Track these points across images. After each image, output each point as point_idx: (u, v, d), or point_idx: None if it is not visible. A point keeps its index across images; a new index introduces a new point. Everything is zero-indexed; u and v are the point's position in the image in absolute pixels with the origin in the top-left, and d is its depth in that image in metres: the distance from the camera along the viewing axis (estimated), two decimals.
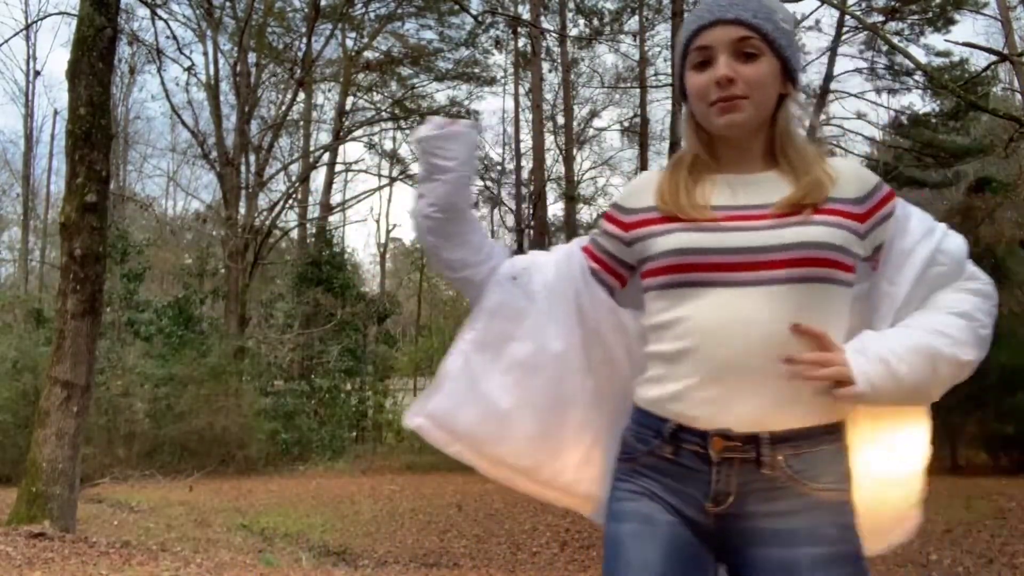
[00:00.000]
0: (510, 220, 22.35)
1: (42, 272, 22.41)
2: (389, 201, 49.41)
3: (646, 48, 20.12)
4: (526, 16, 18.44)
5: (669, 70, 18.27)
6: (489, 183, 23.56)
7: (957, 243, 1.30)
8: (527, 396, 1.33)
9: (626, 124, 22.20)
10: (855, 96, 18.69)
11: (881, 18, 17.25)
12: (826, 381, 1.16)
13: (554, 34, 19.36)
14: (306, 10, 19.19)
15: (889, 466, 1.28)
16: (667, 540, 1.20)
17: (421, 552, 7.99)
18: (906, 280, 1.26)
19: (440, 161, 1.34)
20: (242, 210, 18.50)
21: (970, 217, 14.28)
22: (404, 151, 24.45)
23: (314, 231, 21.28)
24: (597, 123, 23.49)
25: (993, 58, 10.16)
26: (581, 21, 20.17)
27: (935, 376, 1.20)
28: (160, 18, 13.27)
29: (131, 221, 21.84)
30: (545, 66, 20.69)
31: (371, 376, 20.34)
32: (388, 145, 23.90)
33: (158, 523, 8.58)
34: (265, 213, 19.32)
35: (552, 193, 21.46)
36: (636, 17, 19.51)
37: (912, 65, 14.75)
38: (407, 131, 23.09)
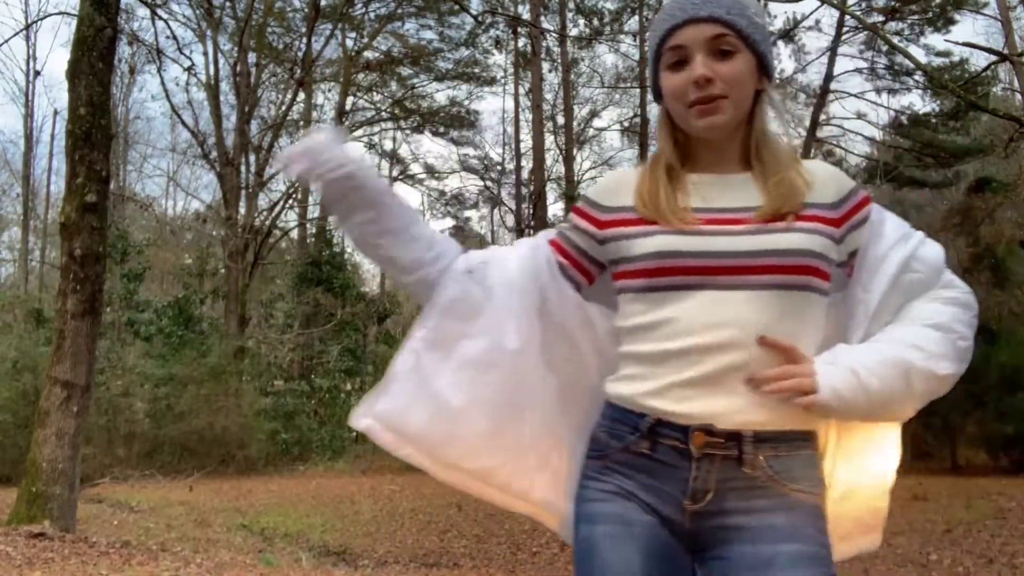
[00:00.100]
0: (510, 220, 22.36)
1: (42, 272, 22.42)
2: None
3: (646, 48, 20.13)
4: (526, 16, 18.44)
5: None
6: (489, 183, 23.61)
7: (934, 251, 1.28)
8: (480, 395, 1.27)
9: (626, 124, 22.21)
10: (855, 96, 18.72)
11: (881, 18, 17.25)
12: (788, 393, 1.15)
13: (554, 34, 19.37)
14: (306, 10, 19.19)
15: (858, 473, 1.28)
16: (645, 541, 1.18)
17: (421, 552, 7.99)
18: (879, 286, 1.24)
19: (331, 174, 1.27)
20: (242, 210, 18.52)
21: (970, 217, 14.30)
22: (404, 151, 24.49)
23: (314, 231, 21.29)
24: (597, 123, 23.49)
25: (993, 58, 10.16)
26: (581, 21, 20.20)
27: (908, 390, 1.18)
28: (160, 18, 13.27)
29: (131, 221, 21.84)
30: (545, 66, 20.71)
31: (371, 376, 20.32)
32: (388, 145, 23.94)
33: (158, 523, 8.58)
34: (265, 213, 19.34)
35: (552, 193, 21.48)
36: (636, 17, 19.51)
37: (912, 65, 14.76)
38: (407, 131, 23.14)
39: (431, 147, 57.88)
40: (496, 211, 23.75)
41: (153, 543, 6.43)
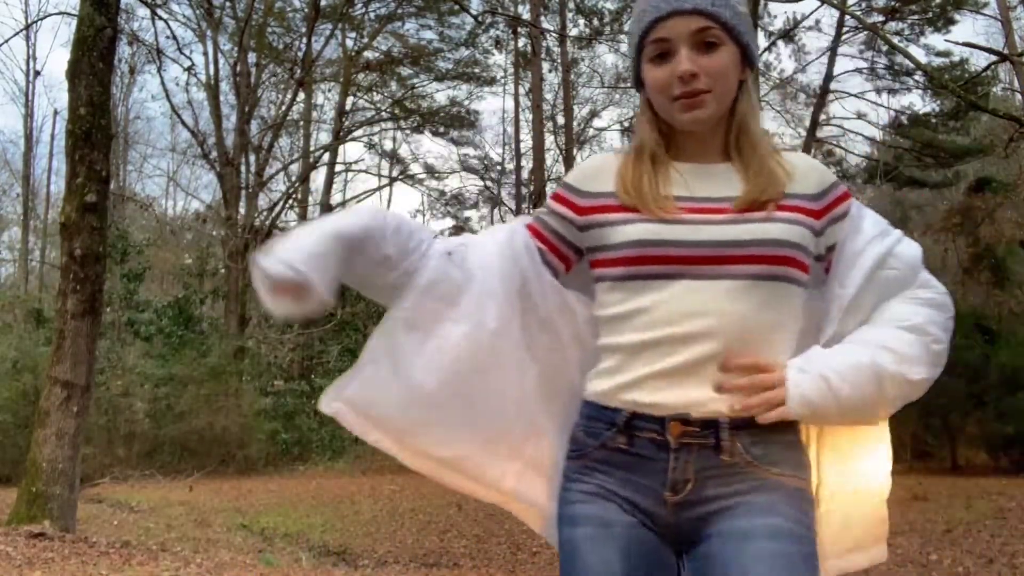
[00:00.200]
0: (510, 220, 22.37)
1: (42, 272, 22.42)
2: (389, 201, 49.25)
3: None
4: (526, 16, 18.44)
5: None
6: (489, 183, 23.61)
7: (911, 249, 1.27)
8: (456, 379, 1.23)
9: (626, 124, 22.20)
10: (855, 96, 18.73)
11: (881, 18, 17.26)
12: (758, 408, 1.15)
13: (554, 34, 19.37)
14: (306, 10, 19.19)
15: (851, 482, 1.27)
16: (626, 542, 1.17)
17: (421, 552, 7.99)
18: (855, 281, 1.23)
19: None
20: (242, 210, 18.52)
21: (970, 217, 14.30)
22: (404, 151, 24.48)
23: None
24: (597, 123, 23.47)
25: (993, 58, 10.17)
26: (581, 21, 20.21)
27: (880, 395, 1.18)
28: (160, 18, 13.26)
29: (131, 221, 21.85)
30: (545, 66, 20.72)
31: None
32: (388, 145, 23.94)
33: (158, 523, 8.58)
34: (265, 213, 19.34)
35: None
36: None
37: (912, 65, 14.76)
38: (407, 131, 23.14)
39: (431, 147, 57.84)
40: (496, 211, 23.75)
41: (153, 543, 6.44)
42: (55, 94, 40.38)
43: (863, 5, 17.20)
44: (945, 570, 6.15)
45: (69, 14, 11.67)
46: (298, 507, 10.30)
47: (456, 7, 16.57)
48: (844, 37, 17.64)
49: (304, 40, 19.30)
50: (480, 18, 16.84)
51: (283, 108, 20.26)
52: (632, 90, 21.27)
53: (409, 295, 1.25)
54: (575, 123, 21.79)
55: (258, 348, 17.54)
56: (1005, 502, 8.56)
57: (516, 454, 1.28)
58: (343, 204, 23.18)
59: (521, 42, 20.03)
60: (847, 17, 16.05)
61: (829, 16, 17.60)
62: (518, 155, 22.50)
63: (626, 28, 20.36)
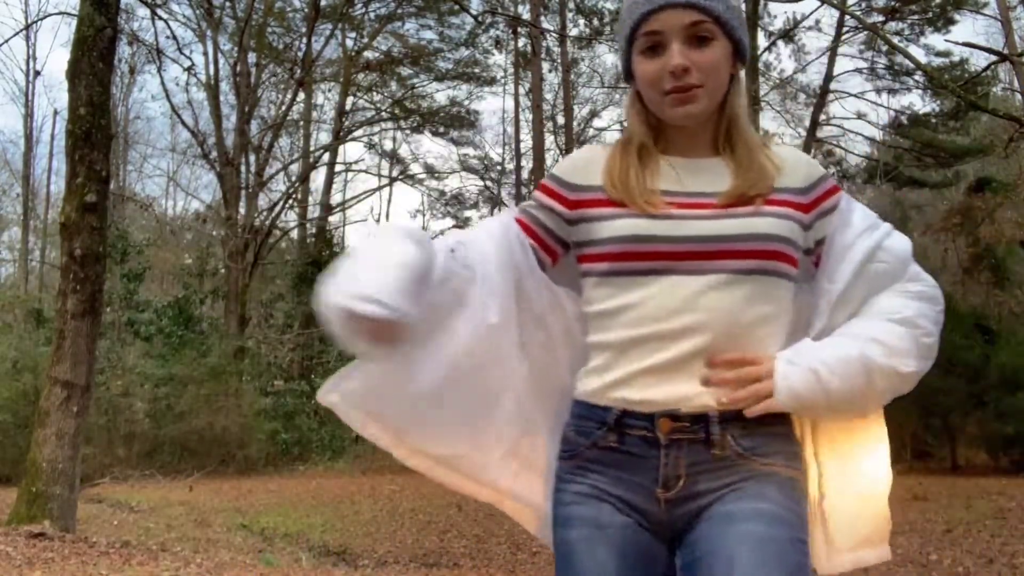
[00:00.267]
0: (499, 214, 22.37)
1: (42, 272, 22.42)
2: (389, 201, 49.27)
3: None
4: (526, 16, 18.44)
5: None
6: (489, 183, 23.63)
7: (901, 242, 1.26)
8: (456, 378, 1.21)
9: (626, 124, 22.21)
10: (855, 96, 18.74)
11: (881, 18, 17.26)
12: (743, 403, 1.15)
13: (554, 34, 19.37)
14: (306, 10, 19.20)
15: (854, 479, 1.25)
16: (620, 544, 1.17)
17: (421, 552, 7.99)
18: (844, 275, 1.22)
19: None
20: (242, 210, 18.52)
21: (970, 217, 14.30)
22: (404, 151, 24.48)
23: (314, 231, 21.30)
24: (597, 123, 23.45)
25: (993, 58, 10.16)
26: (581, 21, 20.21)
27: (870, 388, 1.16)
28: (160, 18, 13.26)
29: (131, 221, 21.85)
30: (545, 66, 20.72)
31: None
32: (388, 145, 23.95)
33: (158, 523, 8.58)
34: (265, 213, 19.34)
35: None
36: None
37: (912, 65, 14.76)
38: (407, 131, 23.15)
39: (431, 147, 57.81)
40: (496, 211, 23.74)
41: (153, 543, 6.44)
42: (55, 94, 40.43)
43: (863, 5, 17.21)
44: (945, 570, 6.15)
45: (69, 14, 11.68)
46: (298, 507, 10.30)
47: (456, 7, 16.57)
48: (844, 37, 17.65)
49: (304, 40, 19.31)
50: (480, 18, 16.84)
51: (283, 108, 20.29)
52: None
53: None
54: (575, 123, 21.81)
55: (258, 348, 17.55)
56: (1005, 502, 8.56)
57: (513, 453, 1.27)
58: (343, 204, 23.21)
59: (521, 42, 20.04)
60: (847, 17, 16.06)
61: (829, 16, 17.63)
62: (518, 155, 22.52)
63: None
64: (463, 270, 1.22)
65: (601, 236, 1.22)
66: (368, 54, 21.17)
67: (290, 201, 20.70)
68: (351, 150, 44.46)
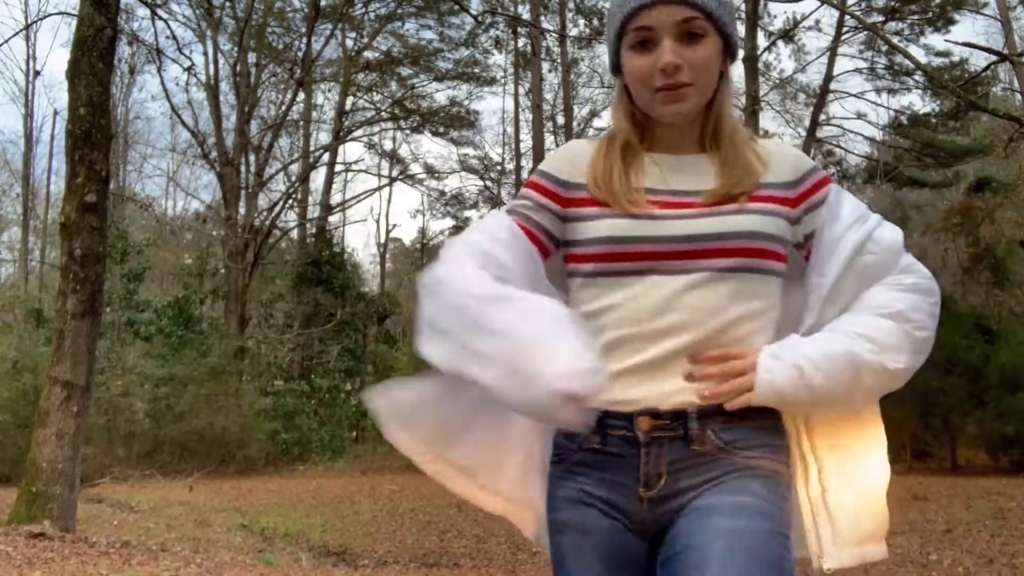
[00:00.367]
0: (493, 213, 22.38)
1: (42, 272, 22.42)
2: (389, 201, 49.39)
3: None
4: (526, 16, 18.45)
5: None
6: (489, 183, 23.63)
7: (891, 233, 1.22)
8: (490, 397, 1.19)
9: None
10: (855, 96, 18.74)
11: (881, 18, 17.26)
12: (727, 395, 1.14)
13: (554, 34, 19.37)
14: (306, 10, 19.20)
15: (853, 474, 1.23)
16: (606, 549, 1.17)
17: (421, 552, 7.99)
18: (833, 269, 1.20)
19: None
20: (242, 210, 18.53)
21: (970, 217, 14.30)
22: (404, 151, 24.49)
23: (314, 231, 21.31)
24: (597, 123, 23.41)
25: (993, 58, 10.16)
26: (581, 21, 20.23)
27: (856, 385, 1.14)
28: (160, 18, 13.26)
29: (131, 221, 21.86)
30: (545, 66, 20.73)
31: (371, 376, 20.33)
32: (388, 145, 23.95)
33: (158, 523, 8.58)
34: (265, 213, 19.35)
35: None
36: None
37: (912, 65, 14.76)
38: (407, 131, 23.15)
39: (431, 147, 57.88)
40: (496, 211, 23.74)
41: (153, 543, 6.44)
42: (55, 94, 40.46)
43: (863, 5, 17.21)
44: (945, 570, 6.14)
45: (69, 14, 11.69)
46: (298, 507, 10.30)
47: (456, 7, 16.57)
48: (844, 37, 17.64)
49: (304, 40, 19.32)
50: (480, 18, 16.85)
51: (283, 108, 20.30)
52: None
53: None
54: (575, 123, 21.80)
55: (258, 348, 17.55)
56: (1005, 502, 8.56)
57: (530, 463, 1.28)
58: (343, 204, 23.22)
59: (521, 42, 20.05)
60: (847, 17, 16.05)
61: (829, 16, 17.63)
62: (518, 155, 22.52)
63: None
64: (504, 286, 1.20)
65: (586, 236, 1.21)
66: (368, 54, 21.19)
67: (290, 201, 20.72)
68: (351, 150, 44.51)
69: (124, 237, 17.09)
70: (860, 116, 19.01)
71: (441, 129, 22.74)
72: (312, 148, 21.76)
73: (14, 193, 24.52)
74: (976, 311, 13.37)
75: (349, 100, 21.51)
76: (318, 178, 22.06)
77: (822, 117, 18.78)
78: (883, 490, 1.24)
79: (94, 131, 6.33)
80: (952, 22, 17.36)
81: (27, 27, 20.31)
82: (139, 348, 16.43)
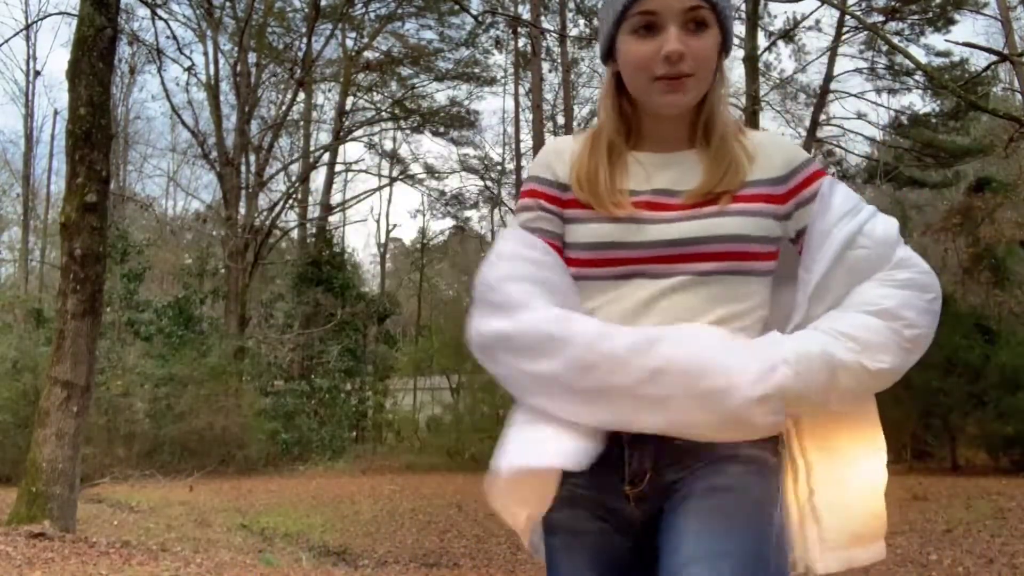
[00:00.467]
0: (510, 220, 22.39)
1: (42, 272, 22.42)
2: (389, 201, 49.48)
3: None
4: (526, 16, 18.44)
5: None
6: (489, 183, 23.62)
7: (884, 225, 1.17)
8: None
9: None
10: (855, 96, 18.73)
11: (881, 18, 17.26)
12: None
13: (554, 34, 19.36)
14: (306, 10, 19.20)
15: (844, 475, 1.19)
16: (596, 551, 1.17)
17: (421, 552, 7.99)
18: (821, 264, 1.15)
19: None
20: (242, 210, 18.53)
21: (970, 217, 14.29)
22: (404, 151, 24.49)
23: (314, 231, 21.30)
24: (597, 123, 23.49)
25: (993, 58, 10.16)
26: (581, 21, 20.21)
27: (832, 386, 1.10)
28: (160, 18, 13.28)
29: (131, 221, 21.86)
30: (545, 66, 20.71)
31: (371, 376, 20.35)
32: (388, 145, 23.96)
33: (158, 523, 8.58)
34: (265, 213, 19.35)
35: None
36: None
37: (912, 65, 14.76)
38: (407, 131, 23.15)
39: (431, 147, 57.95)
40: (496, 211, 23.77)
41: (153, 543, 6.43)
42: (55, 94, 40.45)
43: (863, 5, 17.20)
44: (945, 570, 6.14)
45: (69, 14, 11.69)
46: (298, 507, 10.30)
47: (456, 7, 16.57)
48: (844, 37, 17.63)
49: (304, 40, 19.32)
50: (480, 18, 16.86)
51: (283, 108, 20.30)
52: None
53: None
54: (575, 123, 21.78)
55: (258, 348, 17.55)
56: (1005, 502, 8.56)
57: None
58: (343, 204, 23.22)
59: (521, 42, 20.05)
60: (847, 17, 16.05)
61: (829, 16, 17.63)
62: (518, 155, 22.51)
63: None
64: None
65: (575, 240, 1.21)
66: (368, 54, 21.20)
67: (290, 201, 20.72)
68: (351, 150, 44.54)
69: (124, 237, 17.09)
70: (860, 116, 19.02)
71: (441, 129, 22.75)
72: (312, 148, 21.78)
73: (14, 193, 24.53)
74: (976, 311, 13.36)
75: (349, 100, 21.53)
76: (318, 178, 22.09)
77: (822, 117, 18.78)
78: (876, 493, 1.21)
79: (94, 131, 6.34)
80: (952, 22, 17.36)
81: (27, 27, 20.33)
82: (139, 348, 16.43)
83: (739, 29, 15.39)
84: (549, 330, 1.12)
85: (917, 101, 21.22)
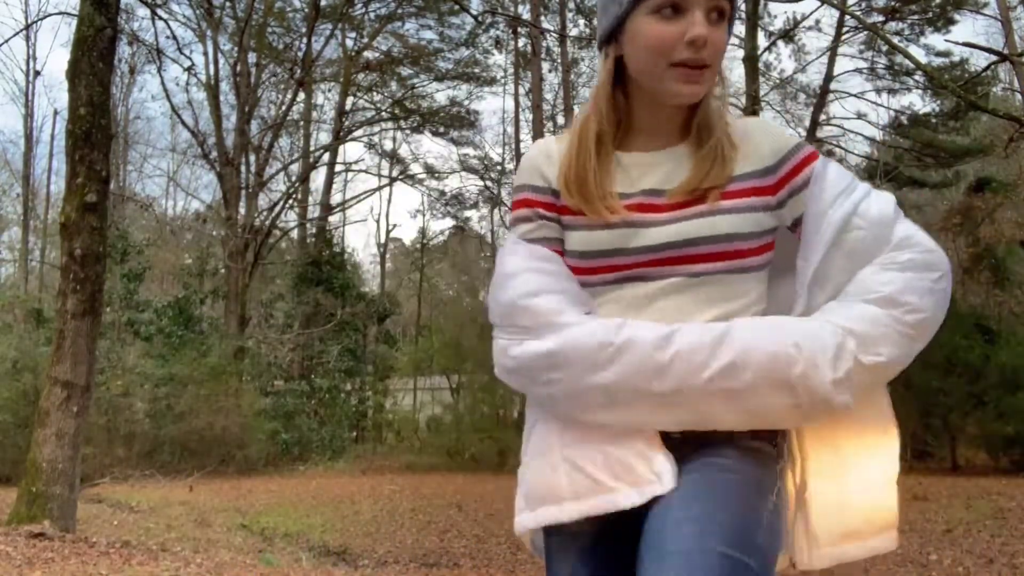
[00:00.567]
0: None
1: (42, 272, 22.41)
2: (389, 201, 49.53)
3: None
4: (526, 16, 18.44)
5: None
6: (489, 183, 23.61)
7: (879, 203, 1.12)
8: None
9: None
10: (855, 96, 18.72)
11: (881, 18, 17.25)
12: None
13: (554, 34, 19.36)
14: (306, 10, 19.20)
15: (836, 473, 1.18)
16: (591, 552, 1.16)
17: (421, 552, 7.99)
18: (818, 250, 1.11)
19: None
20: (242, 210, 18.53)
21: (970, 217, 14.29)
22: (404, 151, 24.49)
23: (314, 231, 21.30)
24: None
25: (993, 58, 10.16)
26: (581, 21, 20.20)
27: None
28: (160, 18, 13.27)
29: (131, 221, 21.86)
30: (545, 66, 20.71)
31: (371, 376, 20.35)
32: (388, 145, 23.96)
33: (158, 523, 8.58)
34: (265, 213, 19.35)
35: None
36: None
37: (912, 65, 14.76)
38: (407, 131, 23.15)
39: (431, 147, 57.96)
40: (496, 211, 23.76)
41: (153, 543, 6.43)
42: (55, 94, 40.43)
43: (863, 5, 17.20)
44: (945, 570, 6.14)
45: (69, 14, 11.69)
46: (298, 507, 10.30)
47: (456, 7, 16.57)
48: (844, 37, 17.63)
49: (304, 40, 19.32)
50: (480, 18, 16.85)
51: (283, 108, 20.30)
52: None
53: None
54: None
55: (258, 348, 17.55)
56: (1005, 502, 8.56)
57: None
58: (343, 204, 23.22)
59: (521, 42, 20.04)
60: (847, 17, 16.04)
61: (829, 16, 17.63)
62: (518, 155, 22.48)
63: None
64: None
65: (568, 248, 1.19)
66: (368, 54, 21.19)
67: (290, 201, 20.72)
68: (351, 150, 44.55)
69: (124, 237, 17.09)
70: (860, 116, 19.02)
71: (441, 129, 22.74)
72: (312, 148, 21.78)
73: (14, 193, 24.53)
74: (976, 311, 13.36)
75: (349, 100, 21.53)
76: (318, 178, 22.09)
77: (822, 117, 18.79)
78: (883, 487, 1.21)
79: (94, 131, 6.33)
80: (952, 22, 17.35)
81: (27, 27, 20.33)
82: (139, 348, 16.43)
83: (739, 29, 15.40)
84: (605, 339, 1.08)
85: (917, 101, 21.25)
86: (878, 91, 18.90)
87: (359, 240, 61.49)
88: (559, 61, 20.57)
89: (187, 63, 18.64)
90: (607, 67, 1.18)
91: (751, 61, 14.89)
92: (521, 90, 22.12)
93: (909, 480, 9.60)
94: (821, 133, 18.88)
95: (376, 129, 22.78)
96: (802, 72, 19.43)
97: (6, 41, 26.67)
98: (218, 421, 14.26)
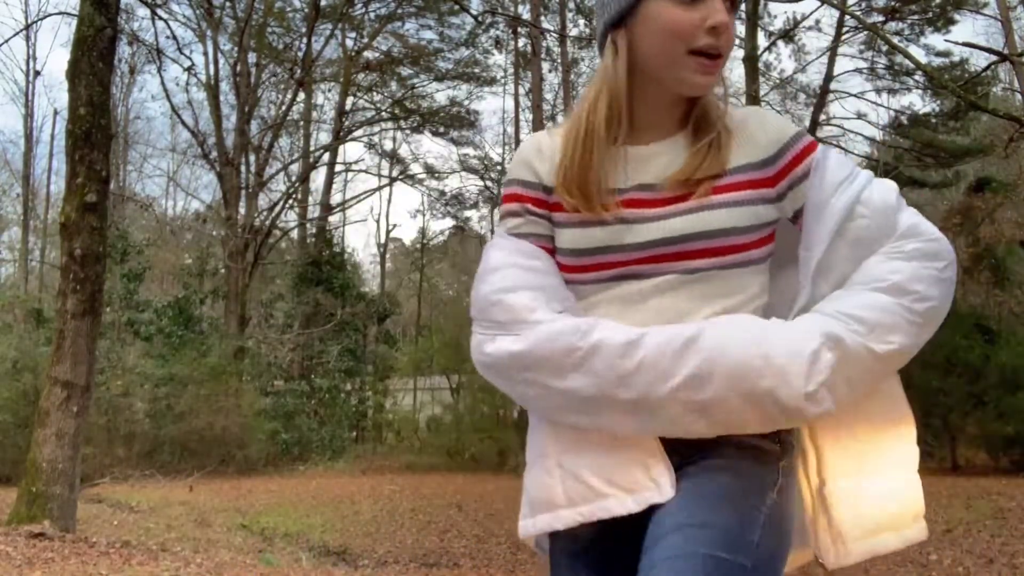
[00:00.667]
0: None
1: (42, 272, 22.42)
2: (389, 201, 49.54)
3: None
4: (526, 16, 18.44)
5: None
6: (489, 183, 23.61)
7: (881, 191, 1.10)
8: None
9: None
10: (855, 96, 18.73)
11: (881, 18, 17.25)
12: None
13: (554, 34, 19.36)
14: (306, 10, 19.20)
15: (855, 467, 1.14)
16: (595, 557, 1.15)
17: (421, 552, 7.99)
18: (821, 240, 1.08)
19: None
20: (242, 210, 18.53)
21: (970, 217, 14.28)
22: (404, 151, 24.49)
23: (314, 231, 21.31)
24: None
25: (993, 58, 10.16)
26: (581, 21, 20.20)
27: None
28: (160, 18, 13.29)
29: (131, 221, 21.87)
30: (545, 66, 20.71)
31: (371, 376, 20.35)
32: (388, 145, 23.96)
33: (158, 523, 8.58)
34: (265, 213, 19.35)
35: None
36: None
37: (912, 65, 14.76)
38: (407, 131, 23.15)
39: (431, 147, 57.99)
40: (496, 211, 23.74)
41: (153, 543, 6.43)
42: (55, 94, 40.43)
43: (863, 5, 17.20)
44: (945, 570, 6.14)
45: (69, 14, 11.69)
46: (298, 507, 10.30)
47: (456, 7, 16.57)
48: (844, 37, 17.63)
49: (304, 40, 19.32)
50: (480, 18, 16.85)
51: (283, 108, 20.30)
52: None
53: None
54: None
55: (258, 348, 17.55)
56: (1005, 502, 8.56)
57: None
58: (343, 204, 23.23)
59: (521, 42, 20.04)
60: (847, 17, 16.04)
61: (829, 16, 17.63)
62: None
63: None
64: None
65: (560, 245, 1.18)
66: (368, 54, 21.19)
67: (290, 201, 20.72)
68: (351, 150, 44.55)
69: (124, 237, 17.09)
70: (860, 116, 19.02)
71: (441, 129, 22.74)
72: (312, 148, 21.78)
73: (14, 193, 24.53)
74: (976, 311, 13.36)
75: (349, 100, 21.53)
76: (318, 178, 22.09)
77: (822, 117, 18.78)
78: (905, 477, 1.15)
79: (94, 131, 6.33)
80: (952, 22, 17.35)
81: (27, 27, 20.33)
82: (139, 348, 16.43)
83: (739, 29, 15.39)
84: (571, 343, 1.06)
85: (917, 101, 21.26)
86: (878, 91, 18.91)
87: (359, 240, 61.58)
88: (559, 61, 20.57)
89: (187, 63, 18.66)
90: (622, 51, 1.13)
91: (751, 61, 14.88)
92: (521, 90, 22.13)
93: None
94: (821, 133, 18.87)
95: (376, 129, 22.81)
96: (802, 72, 19.45)
97: (6, 41, 26.69)
98: (218, 421, 14.26)
